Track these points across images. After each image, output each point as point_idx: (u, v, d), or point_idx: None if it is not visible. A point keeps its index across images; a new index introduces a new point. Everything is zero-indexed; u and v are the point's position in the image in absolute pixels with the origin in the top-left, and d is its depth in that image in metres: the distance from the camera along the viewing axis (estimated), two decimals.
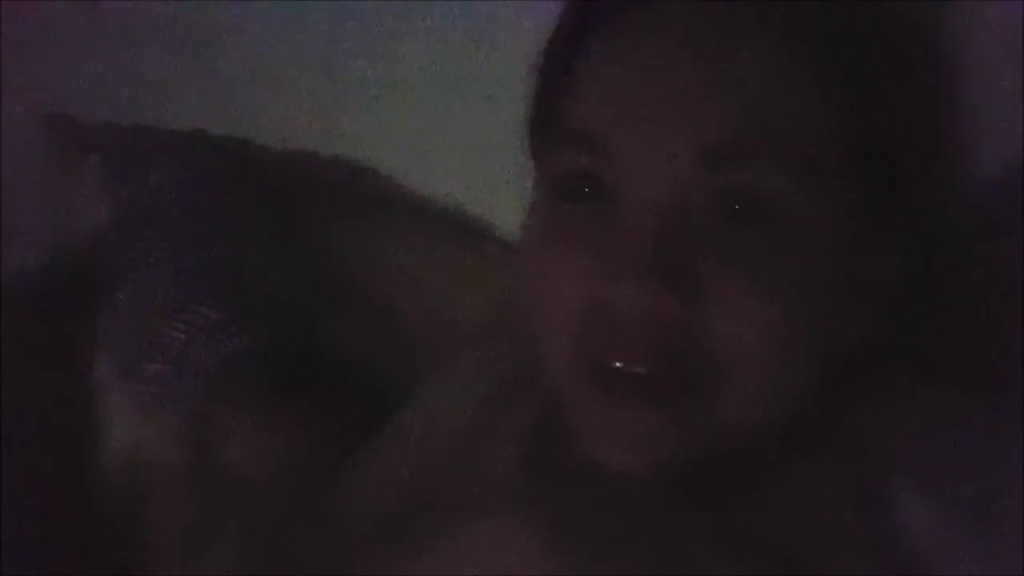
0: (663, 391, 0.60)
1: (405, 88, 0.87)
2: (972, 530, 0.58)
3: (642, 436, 0.61)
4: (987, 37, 0.68)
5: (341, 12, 0.87)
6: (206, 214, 0.88)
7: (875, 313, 0.63)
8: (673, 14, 0.62)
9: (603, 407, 0.62)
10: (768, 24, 0.61)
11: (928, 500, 0.59)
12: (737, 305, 0.59)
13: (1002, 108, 0.67)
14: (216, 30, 0.91)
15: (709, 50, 0.61)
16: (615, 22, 0.63)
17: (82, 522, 0.82)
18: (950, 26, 0.67)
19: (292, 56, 0.89)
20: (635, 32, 0.63)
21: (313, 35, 0.88)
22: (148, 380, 0.84)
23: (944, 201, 0.67)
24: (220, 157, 0.90)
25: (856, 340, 0.62)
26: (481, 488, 0.71)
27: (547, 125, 0.66)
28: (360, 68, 0.87)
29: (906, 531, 0.59)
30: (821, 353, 0.61)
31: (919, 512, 0.59)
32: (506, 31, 0.82)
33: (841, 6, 0.63)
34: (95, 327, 0.86)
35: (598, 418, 0.62)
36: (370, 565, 0.71)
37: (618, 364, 0.60)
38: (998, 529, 0.58)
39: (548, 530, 0.64)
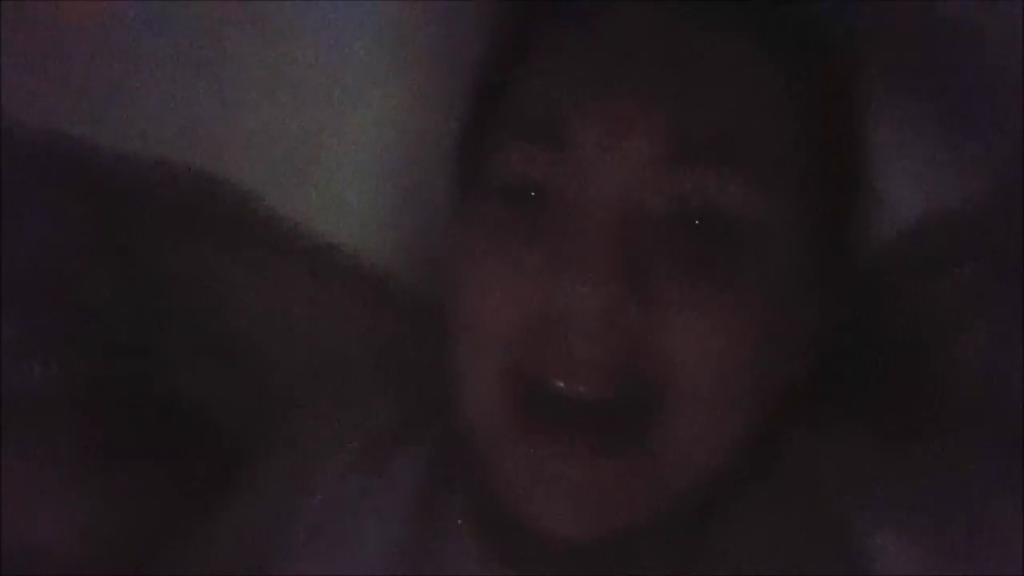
0: (603, 426, 0.56)
1: (282, 96, 0.78)
2: (933, 558, 0.59)
3: (576, 487, 0.56)
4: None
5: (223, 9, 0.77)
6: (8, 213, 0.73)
7: (808, 348, 0.62)
8: (643, 12, 0.60)
9: (533, 448, 0.57)
10: (739, 34, 0.60)
11: (890, 532, 0.59)
12: (692, 316, 0.56)
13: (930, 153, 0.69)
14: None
15: (677, 50, 0.59)
16: (578, 16, 0.61)
17: None
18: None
19: (156, 53, 0.78)
20: (601, 27, 0.60)
21: (187, 31, 0.77)
22: None
23: (879, 240, 0.68)
24: (29, 149, 0.76)
25: (787, 376, 0.61)
26: (361, 558, 0.63)
27: (495, 122, 0.62)
28: (236, 72, 0.77)
29: (870, 563, 0.59)
30: (760, 385, 0.59)
31: (882, 544, 0.59)
32: (407, 33, 0.75)
33: (812, 26, 0.63)
34: None
35: (526, 465, 0.57)
36: None
37: (560, 383, 0.56)
38: (956, 556, 0.59)
39: None
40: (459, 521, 0.62)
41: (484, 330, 0.58)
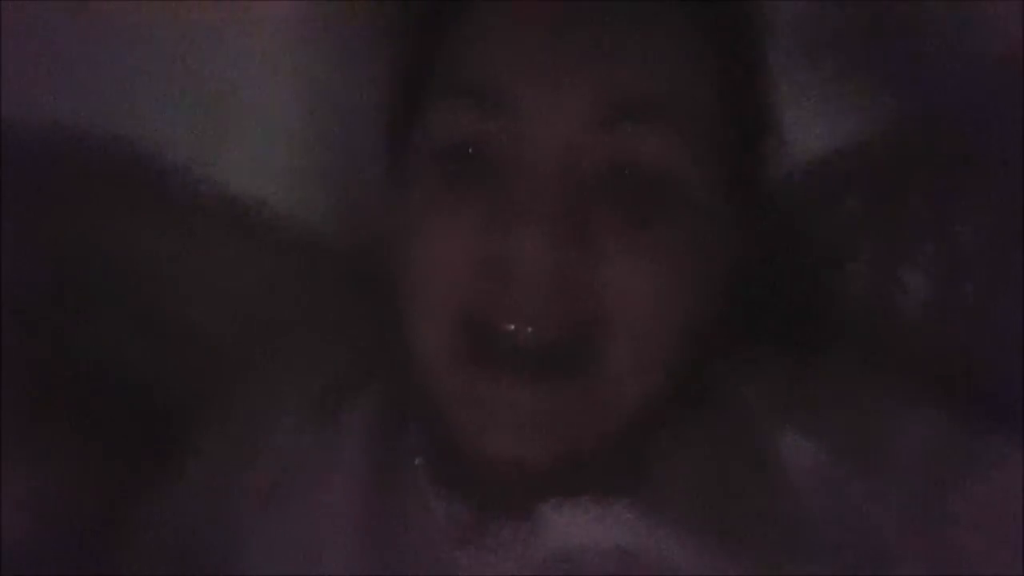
0: (549, 363, 0.60)
1: (199, 59, 0.77)
2: (848, 464, 0.64)
3: (528, 416, 0.61)
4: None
5: None
6: None
7: (727, 283, 0.67)
8: None
9: (486, 383, 0.61)
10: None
11: (808, 442, 0.64)
12: (627, 260, 0.61)
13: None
14: None
15: (609, 15, 0.63)
16: None
17: None
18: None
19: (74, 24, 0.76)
20: None
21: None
22: None
23: (781, 178, 0.73)
24: None
25: (710, 309, 0.65)
26: (322, 512, 0.66)
27: (430, 84, 0.65)
28: (153, 35, 0.76)
29: (793, 472, 0.64)
30: (688, 319, 0.64)
31: (801, 454, 0.64)
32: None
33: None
34: None
35: (481, 400, 0.61)
36: None
37: (510, 326, 0.60)
38: (870, 462, 0.64)
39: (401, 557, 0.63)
40: (416, 462, 0.66)
41: (434, 283, 0.62)
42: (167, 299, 0.75)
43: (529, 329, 0.60)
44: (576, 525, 0.62)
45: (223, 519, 0.67)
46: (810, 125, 0.73)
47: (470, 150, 0.62)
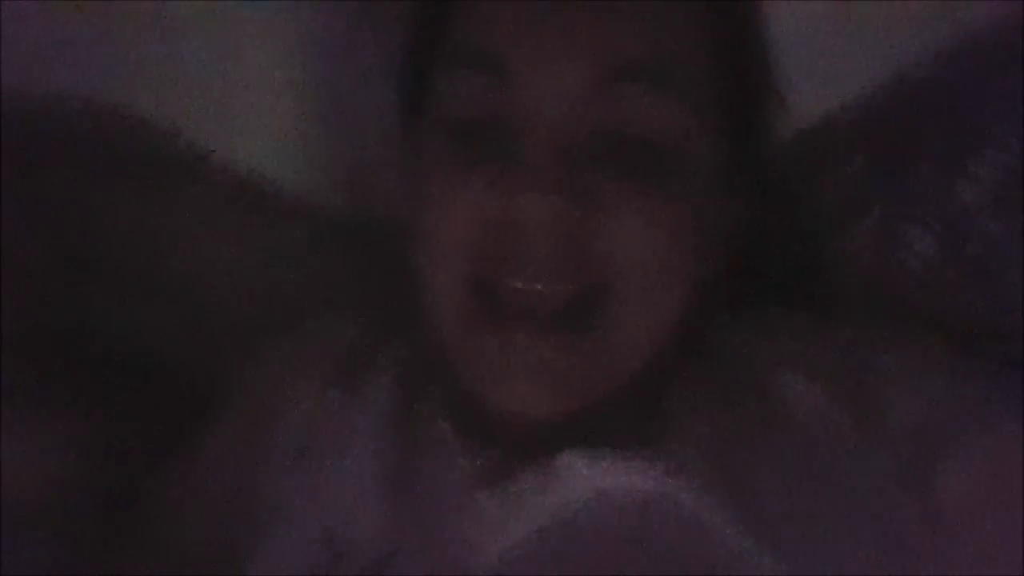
0: (559, 313, 0.63)
1: (202, 30, 0.78)
2: (849, 411, 0.65)
3: (541, 368, 0.63)
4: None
5: None
6: None
7: (728, 240, 0.68)
8: None
9: (499, 339, 0.63)
10: None
11: (810, 389, 0.65)
12: (629, 217, 0.63)
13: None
14: None
15: None
16: None
17: None
18: None
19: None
20: None
21: None
22: None
23: (776, 146, 0.74)
24: None
25: (712, 265, 0.67)
26: (349, 471, 0.69)
27: (440, 54, 0.67)
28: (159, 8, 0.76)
29: (797, 417, 0.65)
30: (690, 273, 0.66)
31: (805, 399, 0.65)
32: None
33: None
34: None
35: (495, 355, 0.63)
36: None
37: (518, 284, 0.62)
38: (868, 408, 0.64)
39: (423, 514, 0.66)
40: (439, 421, 0.68)
41: (445, 245, 0.64)
42: (184, 272, 0.77)
43: (537, 286, 0.62)
44: (594, 473, 0.64)
45: (250, 484, 0.70)
46: (813, 84, 0.73)
47: (477, 116, 0.64)
